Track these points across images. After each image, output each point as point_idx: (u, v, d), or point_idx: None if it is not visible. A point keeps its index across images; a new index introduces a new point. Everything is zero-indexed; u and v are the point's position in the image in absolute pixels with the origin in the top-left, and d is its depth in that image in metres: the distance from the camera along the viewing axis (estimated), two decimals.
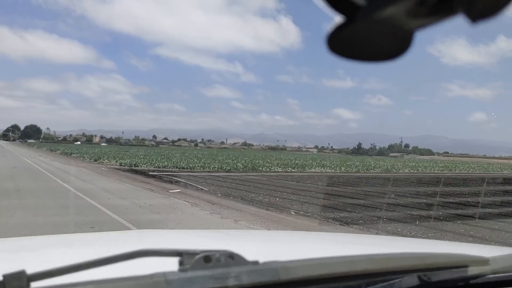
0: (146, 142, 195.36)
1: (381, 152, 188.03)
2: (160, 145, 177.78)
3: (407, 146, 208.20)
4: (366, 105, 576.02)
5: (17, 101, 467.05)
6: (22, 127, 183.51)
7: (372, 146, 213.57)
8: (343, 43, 0.43)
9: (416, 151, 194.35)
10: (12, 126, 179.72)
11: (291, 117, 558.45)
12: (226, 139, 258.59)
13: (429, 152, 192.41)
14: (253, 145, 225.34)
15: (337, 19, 0.41)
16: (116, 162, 27.51)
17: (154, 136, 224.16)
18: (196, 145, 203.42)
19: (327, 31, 0.42)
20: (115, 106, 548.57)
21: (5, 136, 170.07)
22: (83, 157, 33.96)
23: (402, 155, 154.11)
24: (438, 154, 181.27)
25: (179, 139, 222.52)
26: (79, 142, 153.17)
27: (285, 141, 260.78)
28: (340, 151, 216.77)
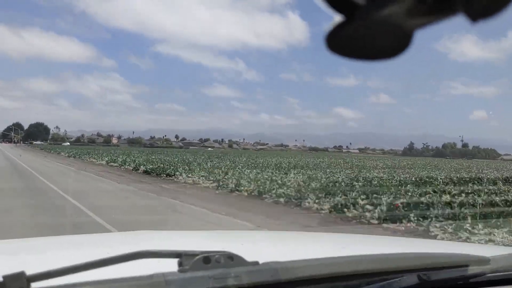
0: (174, 144, 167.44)
1: (440, 153, 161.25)
2: (190, 147, 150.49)
3: (465, 145, 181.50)
4: (367, 104, 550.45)
5: (15, 101, 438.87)
6: (24, 126, 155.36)
7: (424, 146, 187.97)
8: (342, 42, 0.42)
9: (481, 151, 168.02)
10: (13, 125, 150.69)
11: (291, 117, 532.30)
12: (244, 139, 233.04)
13: (494, 152, 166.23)
14: (288, 146, 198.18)
15: (337, 18, 0.40)
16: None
17: (176, 136, 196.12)
18: (230, 146, 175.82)
19: (326, 30, 0.41)
20: (116, 106, 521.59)
21: (5, 136, 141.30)
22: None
23: None
24: None
25: (204, 139, 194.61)
26: (68, 143, 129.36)
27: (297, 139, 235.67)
28: (384, 151, 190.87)
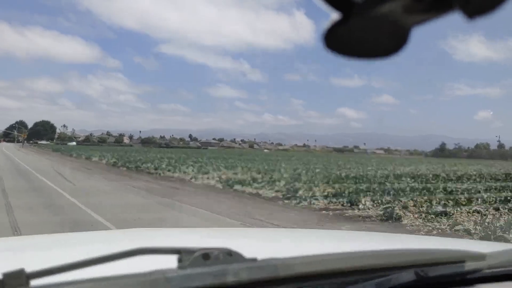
0: (191, 144, 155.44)
1: (476, 155, 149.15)
2: (209, 147, 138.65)
3: (502, 146, 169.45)
4: (371, 104, 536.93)
5: (17, 101, 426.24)
6: (28, 125, 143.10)
7: (456, 146, 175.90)
8: (339, 40, 0.42)
9: None
10: (17, 123, 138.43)
11: (294, 117, 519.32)
12: (254, 139, 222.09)
13: None
14: (309, 146, 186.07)
15: (333, 15, 0.40)
16: None
17: (190, 136, 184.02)
18: (251, 146, 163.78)
19: (323, 28, 0.41)
20: (120, 106, 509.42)
21: (7, 135, 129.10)
22: None
23: None
24: None
25: (219, 139, 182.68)
26: (74, 143, 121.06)
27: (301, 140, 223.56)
28: (411, 152, 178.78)
